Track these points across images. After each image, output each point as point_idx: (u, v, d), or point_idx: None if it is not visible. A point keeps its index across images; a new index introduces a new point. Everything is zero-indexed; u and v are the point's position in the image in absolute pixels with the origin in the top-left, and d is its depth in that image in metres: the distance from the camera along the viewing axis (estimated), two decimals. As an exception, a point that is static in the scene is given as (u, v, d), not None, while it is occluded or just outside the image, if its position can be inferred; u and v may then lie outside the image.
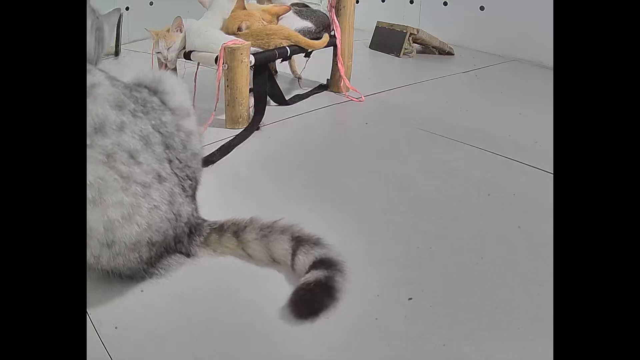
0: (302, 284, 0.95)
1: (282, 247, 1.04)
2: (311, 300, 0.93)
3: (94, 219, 0.89)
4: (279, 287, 1.01)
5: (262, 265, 1.07)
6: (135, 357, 0.86)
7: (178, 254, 1.05)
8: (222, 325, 0.92)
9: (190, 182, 1.05)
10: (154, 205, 0.95)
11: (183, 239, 1.05)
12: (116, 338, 0.88)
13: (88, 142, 0.88)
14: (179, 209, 1.01)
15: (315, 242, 1.02)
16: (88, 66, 0.96)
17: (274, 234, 1.05)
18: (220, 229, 1.09)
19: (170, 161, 1.00)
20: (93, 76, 0.94)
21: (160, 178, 0.96)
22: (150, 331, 0.91)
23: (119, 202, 0.90)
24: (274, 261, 1.06)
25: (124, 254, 0.94)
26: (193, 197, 1.08)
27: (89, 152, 0.88)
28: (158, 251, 1.00)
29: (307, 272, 0.98)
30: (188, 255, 1.07)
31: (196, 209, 1.09)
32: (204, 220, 1.11)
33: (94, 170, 0.88)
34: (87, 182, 0.87)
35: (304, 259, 1.00)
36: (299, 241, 1.03)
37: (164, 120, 1.02)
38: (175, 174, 1.01)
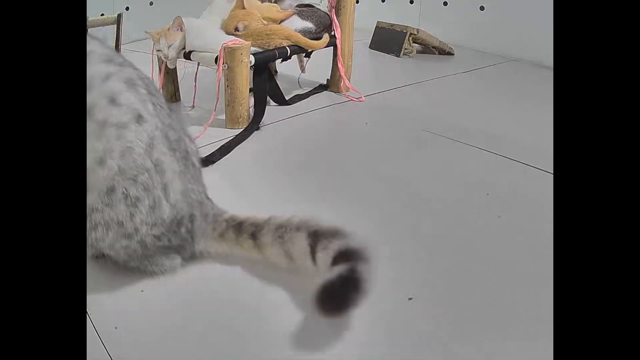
0: (325, 282, 0.89)
1: (300, 245, 0.98)
2: (338, 296, 0.87)
3: None
4: (280, 287, 1.01)
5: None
6: (135, 357, 0.86)
7: (182, 247, 1.01)
8: (222, 325, 0.92)
9: (174, 132, 0.98)
10: (127, 147, 0.89)
11: (184, 220, 0.99)
12: (116, 338, 0.88)
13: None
14: (159, 157, 0.94)
15: (333, 235, 0.96)
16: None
17: (290, 233, 0.99)
18: (238, 227, 1.05)
19: (153, 104, 0.95)
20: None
21: (139, 118, 0.91)
22: (150, 331, 0.90)
23: (91, 149, 0.87)
24: (292, 261, 1.01)
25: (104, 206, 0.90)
26: (186, 161, 1.01)
27: None
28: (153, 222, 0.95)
29: (329, 269, 0.92)
30: (192, 249, 1.03)
31: (202, 189, 1.05)
32: (220, 211, 1.07)
33: None
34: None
35: (323, 255, 0.95)
36: (316, 236, 0.97)
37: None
38: (158, 117, 0.95)
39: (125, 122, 0.89)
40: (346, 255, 0.92)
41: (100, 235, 0.94)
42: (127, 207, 0.93)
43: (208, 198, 1.10)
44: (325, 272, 0.93)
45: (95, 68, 0.90)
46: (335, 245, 0.94)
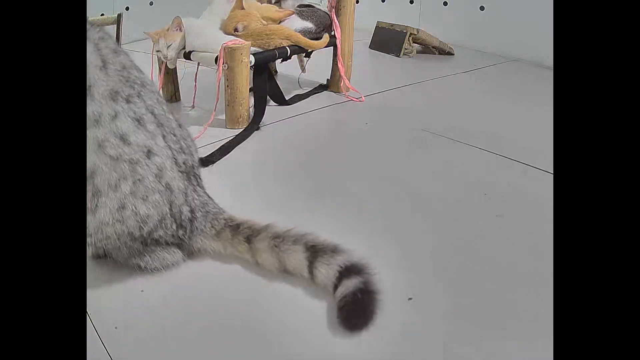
0: (345, 296, 0.91)
1: (297, 257, 0.99)
2: (362, 309, 0.90)
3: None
4: (280, 287, 1.01)
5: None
6: (135, 357, 0.86)
7: (178, 245, 1.03)
8: (222, 325, 0.92)
9: (184, 156, 1.03)
10: (139, 179, 0.95)
11: (184, 222, 1.02)
12: (116, 338, 0.88)
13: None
14: (169, 182, 0.98)
15: (334, 250, 0.98)
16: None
17: (286, 244, 1.00)
18: (235, 228, 1.05)
19: (163, 136, 0.99)
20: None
21: (149, 153, 0.96)
22: (150, 331, 0.91)
23: (107, 176, 0.93)
24: (285, 271, 1.02)
25: (110, 223, 0.94)
26: (190, 176, 1.05)
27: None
28: (152, 230, 0.98)
29: (337, 283, 0.94)
30: (189, 241, 1.04)
31: (203, 194, 1.08)
32: (220, 210, 1.09)
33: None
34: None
35: (327, 270, 0.95)
36: (315, 251, 0.98)
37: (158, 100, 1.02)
38: (169, 146, 1.00)
39: (137, 158, 0.95)
40: (352, 270, 0.94)
41: (108, 241, 0.98)
42: (136, 222, 0.97)
43: (209, 197, 1.11)
44: (326, 285, 0.96)
45: (104, 108, 0.93)
46: (338, 261, 0.96)
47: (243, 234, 1.04)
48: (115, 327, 0.90)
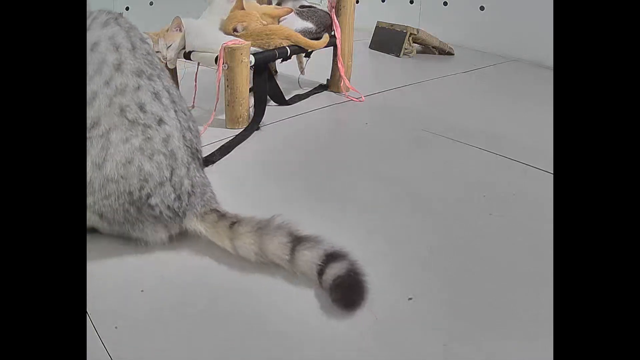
0: (337, 277, 0.95)
1: (279, 241, 1.02)
2: (356, 287, 0.94)
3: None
4: (280, 287, 1.01)
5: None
6: (135, 357, 0.86)
7: (167, 221, 1.07)
8: (223, 325, 0.92)
9: (191, 134, 1.12)
10: (148, 137, 1.05)
11: (183, 194, 1.07)
12: (116, 338, 0.88)
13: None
14: (174, 150, 1.07)
15: (316, 240, 1.01)
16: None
17: (270, 229, 1.04)
18: (222, 214, 1.10)
19: (175, 111, 1.10)
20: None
21: (161, 121, 1.07)
22: (150, 331, 0.91)
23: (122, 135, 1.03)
24: (262, 257, 1.03)
25: (115, 179, 1.02)
26: (195, 156, 1.13)
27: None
28: (151, 193, 1.04)
29: (323, 267, 0.97)
30: (182, 217, 1.08)
31: (205, 177, 1.15)
32: (215, 198, 1.14)
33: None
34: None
35: (310, 253, 0.99)
36: (298, 237, 1.02)
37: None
38: (179, 121, 1.10)
39: (150, 123, 1.07)
40: (338, 255, 0.98)
41: (107, 201, 1.04)
42: (139, 180, 1.04)
43: (209, 184, 1.17)
44: (309, 269, 0.98)
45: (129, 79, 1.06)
46: (322, 247, 1.00)
47: (227, 220, 1.08)
48: (116, 327, 0.90)
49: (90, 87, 1.02)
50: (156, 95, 1.07)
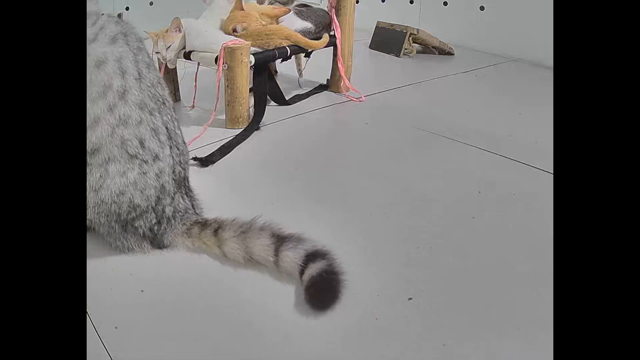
0: (313, 277, 0.96)
1: (262, 243, 1.04)
2: (330, 289, 0.95)
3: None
4: (280, 287, 1.01)
5: (240, 265, 1.06)
6: (135, 357, 0.86)
7: (151, 240, 1.10)
8: (223, 324, 0.92)
9: (180, 168, 1.14)
10: (144, 172, 1.07)
11: (162, 220, 1.10)
12: (116, 338, 0.88)
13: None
14: (164, 184, 1.10)
15: (298, 239, 1.03)
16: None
17: (253, 231, 1.06)
18: (204, 224, 1.12)
19: (170, 147, 1.12)
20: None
21: (156, 158, 1.09)
22: (150, 331, 0.91)
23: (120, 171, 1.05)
24: (251, 259, 1.05)
25: (107, 203, 1.05)
26: (181, 185, 1.15)
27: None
28: (136, 218, 1.08)
29: (303, 267, 0.99)
30: (160, 244, 1.11)
31: (192, 202, 1.17)
32: (196, 214, 1.16)
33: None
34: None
35: (293, 254, 1.01)
36: (281, 238, 1.04)
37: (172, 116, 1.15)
38: (172, 157, 1.12)
39: (147, 159, 1.09)
40: (318, 255, 1.00)
41: (96, 215, 1.07)
42: (128, 208, 1.07)
43: (195, 204, 1.18)
44: (292, 269, 1.00)
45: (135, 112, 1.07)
46: (304, 246, 1.02)
47: (210, 228, 1.10)
48: (115, 327, 0.90)
49: (94, 110, 1.02)
50: (155, 132, 1.09)
